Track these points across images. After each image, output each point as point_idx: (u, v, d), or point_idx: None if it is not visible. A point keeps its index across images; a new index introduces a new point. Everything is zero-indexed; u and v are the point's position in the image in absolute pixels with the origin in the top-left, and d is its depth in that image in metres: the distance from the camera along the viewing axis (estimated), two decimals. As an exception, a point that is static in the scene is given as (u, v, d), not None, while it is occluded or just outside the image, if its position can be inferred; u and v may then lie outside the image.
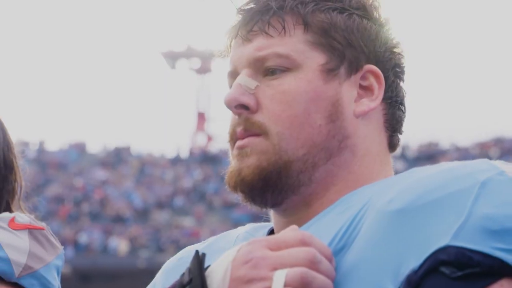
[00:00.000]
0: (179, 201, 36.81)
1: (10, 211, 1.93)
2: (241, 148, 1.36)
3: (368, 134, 1.37)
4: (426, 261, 1.13)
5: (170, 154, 42.31)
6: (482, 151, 36.99)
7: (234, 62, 1.40)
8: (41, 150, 40.76)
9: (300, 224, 1.32)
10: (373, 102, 1.37)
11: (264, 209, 1.40)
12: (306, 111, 1.33)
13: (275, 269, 1.16)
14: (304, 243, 1.18)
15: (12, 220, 1.85)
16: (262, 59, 1.36)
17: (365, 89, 1.37)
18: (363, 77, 1.37)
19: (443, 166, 1.25)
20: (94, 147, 43.08)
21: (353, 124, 1.36)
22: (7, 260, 1.78)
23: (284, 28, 1.35)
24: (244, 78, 1.37)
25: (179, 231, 33.66)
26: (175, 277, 1.43)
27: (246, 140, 1.35)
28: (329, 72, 1.35)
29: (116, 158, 41.14)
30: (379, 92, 1.37)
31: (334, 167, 1.35)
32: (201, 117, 50.21)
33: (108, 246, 33.30)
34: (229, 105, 1.36)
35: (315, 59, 1.35)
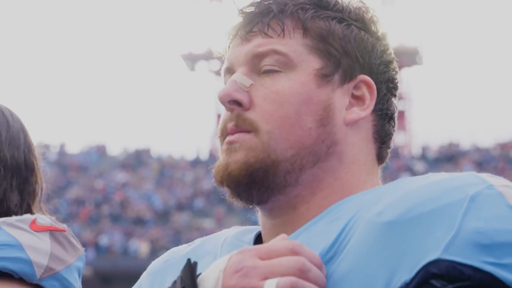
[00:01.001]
0: (199, 203, 36.84)
1: (31, 213, 1.94)
2: (230, 143, 1.38)
3: (356, 142, 1.39)
4: (417, 274, 1.14)
5: (190, 156, 42.37)
6: (503, 151, 36.79)
7: (231, 60, 1.42)
8: (62, 153, 40.91)
9: (286, 227, 1.36)
10: (364, 112, 1.39)
11: (249, 206, 1.41)
12: (297, 113, 1.35)
13: (265, 278, 1.17)
14: (294, 252, 1.19)
15: (34, 222, 1.85)
16: (260, 55, 1.38)
17: (357, 99, 1.40)
18: (356, 87, 1.39)
19: (431, 178, 1.26)
20: (115, 149, 43.20)
21: (343, 131, 1.38)
22: (28, 262, 1.79)
23: (283, 30, 1.38)
24: (239, 75, 1.39)
25: (199, 232, 33.64)
26: (161, 279, 1.46)
27: (236, 136, 1.37)
28: (324, 77, 1.37)
29: (136, 160, 41.24)
30: (370, 102, 1.39)
31: (320, 172, 1.37)
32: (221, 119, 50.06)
33: (129, 248, 33.39)
34: (222, 100, 1.38)
35: (311, 63, 1.37)
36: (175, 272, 1.32)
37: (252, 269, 1.17)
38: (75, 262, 1.88)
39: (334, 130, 1.37)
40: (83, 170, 39.94)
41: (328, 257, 1.23)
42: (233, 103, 1.38)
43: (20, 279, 1.80)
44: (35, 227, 1.85)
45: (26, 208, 1.96)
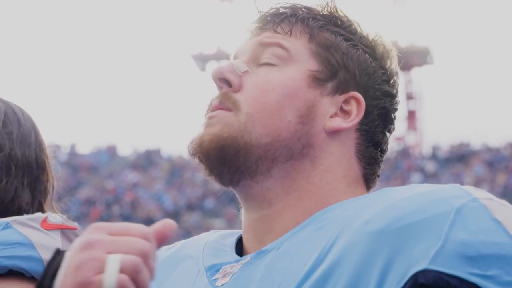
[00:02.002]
0: (209, 203, 36.86)
1: (43, 211, 1.95)
2: (210, 118, 1.42)
3: (334, 153, 1.42)
4: (406, 284, 1.17)
5: (201, 156, 42.34)
6: (514, 151, 36.68)
7: (238, 50, 1.49)
8: (72, 153, 40.98)
9: (264, 224, 1.39)
10: (346, 124, 1.42)
11: (224, 187, 1.43)
12: (280, 103, 1.40)
13: (109, 252, 1.12)
14: (145, 236, 1.15)
15: (45, 220, 1.86)
16: (264, 45, 1.44)
17: (344, 112, 1.43)
18: (346, 101, 1.43)
19: (416, 189, 1.29)
20: (125, 150, 43.15)
21: (321, 136, 1.41)
22: (40, 260, 1.79)
23: (291, 30, 1.44)
24: (238, 61, 1.45)
25: None
26: None
27: (216, 112, 1.42)
28: (316, 80, 1.42)
29: (147, 161, 41.28)
30: (355, 118, 1.42)
31: (293, 170, 1.40)
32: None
33: (139, 248, 33.34)
34: (214, 76, 1.44)
35: (308, 64, 1.42)
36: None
37: (96, 241, 1.12)
38: (86, 260, 1.88)
39: (312, 132, 1.41)
40: (93, 171, 40.00)
41: (315, 265, 1.24)
42: (223, 81, 1.43)
43: (31, 278, 1.80)
44: (46, 226, 1.85)
45: (37, 206, 1.96)
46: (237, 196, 1.45)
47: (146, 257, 1.13)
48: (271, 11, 1.48)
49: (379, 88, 1.45)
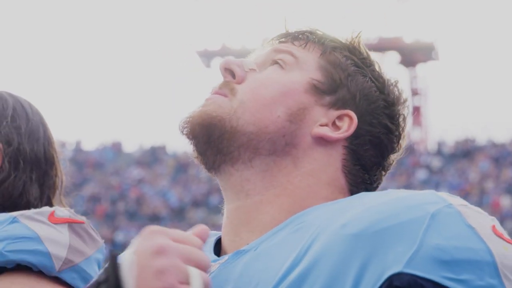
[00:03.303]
0: (214, 199, 36.83)
1: (51, 205, 1.95)
2: (206, 100, 1.47)
3: (319, 160, 1.45)
4: (381, 287, 1.19)
5: (206, 152, 42.31)
6: (520, 147, 36.61)
7: (253, 54, 1.55)
8: (77, 150, 41.00)
9: (241, 215, 1.43)
10: (333, 134, 1.45)
11: (208, 172, 1.49)
12: (273, 98, 1.44)
13: (184, 261, 1.18)
14: (200, 246, 1.23)
15: (52, 214, 1.86)
16: (278, 51, 1.50)
17: (335, 127, 1.46)
18: (340, 118, 1.47)
19: (393, 195, 1.32)
20: (130, 146, 43.16)
21: (306, 139, 1.45)
22: (47, 254, 1.80)
23: (306, 44, 1.50)
24: (248, 59, 1.52)
25: (215, 229, 33.01)
26: None
27: (213, 95, 1.48)
28: (314, 88, 1.46)
29: (152, 157, 41.28)
30: (344, 132, 1.46)
31: (274, 166, 1.44)
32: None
33: (145, 245, 33.34)
34: (221, 66, 1.50)
35: (312, 73, 1.48)
36: None
37: (169, 247, 1.19)
38: (94, 254, 1.89)
39: (298, 133, 1.44)
40: (99, 167, 40.02)
41: (292, 266, 1.26)
42: (228, 72, 1.49)
43: (39, 272, 1.81)
44: (54, 220, 1.86)
45: (46, 201, 1.97)
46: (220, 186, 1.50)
47: (207, 271, 1.22)
48: (294, 29, 1.55)
49: (377, 117, 1.48)
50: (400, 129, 1.52)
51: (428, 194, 1.30)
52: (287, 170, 1.44)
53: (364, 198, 1.34)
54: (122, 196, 37.18)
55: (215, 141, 1.43)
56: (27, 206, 1.93)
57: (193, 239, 1.22)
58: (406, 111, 1.53)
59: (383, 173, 1.52)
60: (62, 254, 1.81)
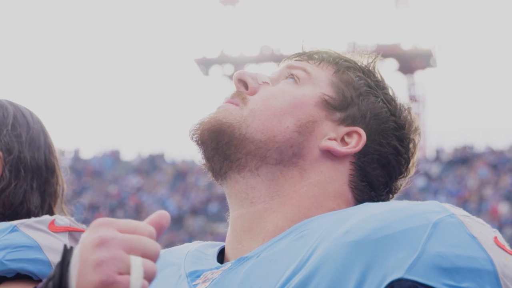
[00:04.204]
0: (213, 207, 36.82)
1: (52, 214, 1.95)
2: (217, 108, 1.50)
3: (325, 172, 1.46)
4: None
5: (204, 160, 42.24)
6: (518, 153, 36.60)
7: (268, 72, 1.57)
8: (76, 158, 40.97)
9: (244, 223, 1.44)
10: (340, 148, 1.47)
11: (214, 179, 1.49)
12: (283, 109, 1.47)
13: (126, 251, 1.14)
14: (152, 236, 1.18)
15: (52, 222, 1.86)
16: (292, 67, 1.53)
17: (344, 143, 1.48)
18: (349, 134, 1.49)
19: (395, 204, 1.33)
20: (129, 154, 43.23)
21: (313, 152, 1.47)
22: (47, 263, 1.80)
23: (320, 62, 1.53)
24: (263, 73, 1.54)
25: (213, 237, 33.63)
26: None
27: (225, 104, 1.50)
28: (325, 103, 1.49)
29: (151, 165, 41.24)
30: (352, 148, 1.47)
31: (281, 176, 1.45)
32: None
33: (144, 253, 33.22)
34: (235, 77, 1.52)
35: (323, 89, 1.50)
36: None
37: (111, 238, 1.14)
38: (94, 262, 1.88)
39: (306, 145, 1.46)
40: (97, 176, 39.98)
41: (293, 273, 1.27)
42: (242, 83, 1.52)
43: (39, 281, 1.81)
44: (54, 228, 1.85)
45: (47, 209, 1.97)
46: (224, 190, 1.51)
47: (156, 259, 1.16)
48: (310, 48, 1.58)
49: (386, 137, 1.50)
50: (410, 153, 1.53)
51: (431, 204, 1.31)
52: (294, 181, 1.45)
53: (367, 207, 1.35)
54: (121, 204, 37.13)
55: (223, 147, 1.45)
56: (28, 215, 1.92)
57: (142, 227, 1.17)
58: (417, 138, 1.54)
59: (390, 196, 1.53)
60: (62, 263, 1.81)
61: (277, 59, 44.60)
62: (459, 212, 1.30)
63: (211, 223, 35.59)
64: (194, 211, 36.74)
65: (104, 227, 1.16)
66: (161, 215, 1.20)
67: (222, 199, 37.42)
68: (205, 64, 46.45)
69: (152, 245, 1.16)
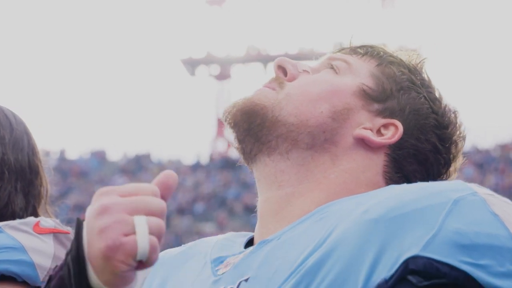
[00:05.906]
0: (199, 207, 36.83)
1: (37, 215, 1.95)
2: (254, 91, 1.49)
3: (358, 161, 1.45)
4: (397, 271, 1.18)
5: (190, 160, 42.33)
6: (504, 152, 36.78)
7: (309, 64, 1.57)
8: (61, 159, 40.89)
9: (271, 205, 1.43)
10: (375, 138, 1.45)
11: (245, 162, 1.49)
12: (319, 95, 1.46)
13: (129, 214, 1.15)
14: (156, 195, 1.18)
15: (37, 224, 1.86)
16: (333, 59, 1.53)
17: (379, 134, 1.46)
18: (385, 126, 1.47)
19: (420, 184, 1.31)
20: (115, 154, 43.07)
21: (347, 139, 1.45)
22: (31, 265, 1.79)
23: (363, 55, 1.53)
24: (305, 62, 1.55)
25: (200, 237, 33.03)
26: (150, 280, 1.49)
27: (262, 88, 1.50)
28: (363, 93, 1.47)
29: (137, 165, 41.21)
30: (387, 139, 1.46)
31: (312, 161, 1.44)
32: (221, 123, 49.96)
33: (130, 253, 33.19)
34: (275, 63, 1.52)
35: (363, 80, 1.49)
36: (164, 272, 1.44)
37: (113, 204, 1.15)
38: (79, 264, 1.88)
39: (339, 131, 1.45)
40: (83, 176, 39.92)
41: (311, 253, 1.26)
42: (281, 69, 1.52)
43: (23, 282, 1.81)
44: (39, 230, 1.85)
45: (31, 211, 1.96)
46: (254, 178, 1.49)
47: (163, 216, 1.17)
48: (357, 43, 1.58)
49: (425, 134, 1.48)
50: (451, 155, 1.51)
51: (455, 182, 1.30)
52: (324, 167, 1.44)
53: (392, 189, 1.33)
54: (107, 205, 37.03)
55: (255, 128, 1.45)
56: (13, 216, 1.92)
57: (144, 188, 1.18)
58: (461, 143, 1.52)
59: None
60: (46, 265, 1.81)
61: (264, 59, 44.76)
62: (483, 190, 1.28)
63: (198, 222, 35.58)
64: (181, 211, 36.73)
65: (105, 195, 1.17)
66: (167, 174, 1.21)
67: (208, 199, 37.46)
68: (191, 64, 46.44)
69: (156, 202, 1.17)
